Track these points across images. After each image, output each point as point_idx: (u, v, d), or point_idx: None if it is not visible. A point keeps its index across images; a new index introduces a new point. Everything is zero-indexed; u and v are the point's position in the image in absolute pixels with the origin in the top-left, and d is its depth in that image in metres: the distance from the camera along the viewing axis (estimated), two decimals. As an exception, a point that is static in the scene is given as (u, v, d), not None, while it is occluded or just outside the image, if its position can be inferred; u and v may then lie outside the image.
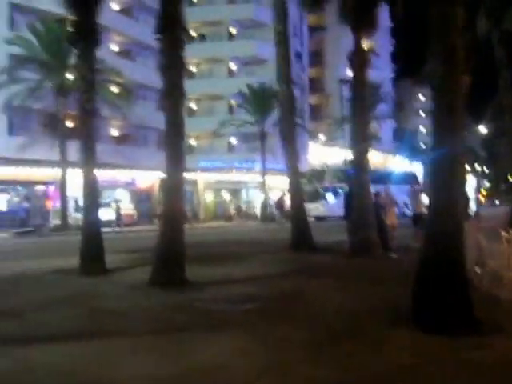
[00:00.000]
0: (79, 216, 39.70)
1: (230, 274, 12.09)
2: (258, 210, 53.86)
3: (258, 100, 51.19)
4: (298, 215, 17.94)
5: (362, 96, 15.75)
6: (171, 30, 11.06)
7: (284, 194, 47.09)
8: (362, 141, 15.71)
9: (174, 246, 10.80)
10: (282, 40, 17.82)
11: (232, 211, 52.81)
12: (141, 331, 7.29)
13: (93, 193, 13.21)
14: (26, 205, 40.21)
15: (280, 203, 45.73)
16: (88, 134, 13.30)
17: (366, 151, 15.83)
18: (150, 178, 47.72)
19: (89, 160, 13.13)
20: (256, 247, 18.96)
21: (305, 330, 7.18)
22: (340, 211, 41.99)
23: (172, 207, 10.96)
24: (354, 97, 16.16)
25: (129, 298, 9.72)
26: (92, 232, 12.84)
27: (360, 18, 15.08)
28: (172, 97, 11.17)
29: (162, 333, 7.18)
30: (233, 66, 63.81)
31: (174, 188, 11.08)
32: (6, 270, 13.29)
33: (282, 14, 17.86)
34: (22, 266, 14.40)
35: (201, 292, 9.98)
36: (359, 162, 15.68)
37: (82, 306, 9.14)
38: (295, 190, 18.27)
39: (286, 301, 9.30)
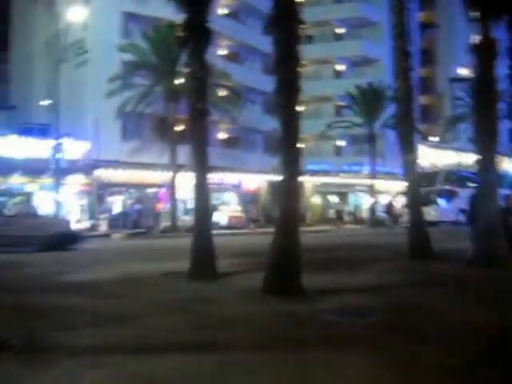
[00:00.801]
0: (188, 218, 40.62)
1: (343, 283, 11.32)
2: (365, 214, 52.54)
3: (367, 101, 49.95)
4: (415, 220, 16.80)
5: (488, 91, 14.43)
6: (286, 22, 10.44)
7: (394, 198, 45.51)
8: (488, 140, 14.38)
9: (289, 251, 10.16)
10: (400, 32, 16.75)
11: (336, 215, 51.78)
12: (256, 345, 6.68)
13: (204, 196, 12.85)
14: (138, 207, 41.32)
15: (389, 207, 44.22)
16: (199, 135, 12.97)
17: (494, 151, 14.49)
18: (256, 181, 47.66)
19: (200, 162, 12.78)
20: (368, 253, 18.05)
21: (449, 353, 6.13)
22: (453, 216, 40.26)
23: (288, 211, 10.34)
24: (478, 92, 14.86)
25: (241, 306, 9.20)
26: (203, 235, 12.47)
27: (492, 2, 13.79)
28: (286, 93, 10.55)
29: (279, 349, 6.52)
30: (340, 67, 62.79)
31: (289, 192, 10.45)
32: (117, 273, 13.24)
33: (399, 5, 16.82)
34: (133, 268, 14.36)
35: (317, 302, 9.28)
36: (486, 163, 14.37)
37: (193, 312, 8.72)
38: (413, 194, 17.14)
39: (412, 315, 8.41)
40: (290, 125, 10.53)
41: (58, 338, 6.86)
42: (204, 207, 12.84)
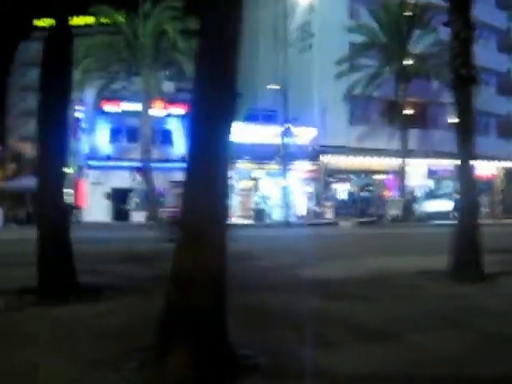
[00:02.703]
0: (417, 207, 38.00)
1: None
2: None
3: None
4: None
5: None
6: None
7: None
8: None
9: None
10: None
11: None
12: None
13: (469, 184, 10.58)
14: (365, 194, 39.69)
15: None
16: (464, 108, 10.63)
17: None
18: (490, 168, 43.31)
19: (465, 143, 10.52)
20: None
21: None
22: None
23: None
24: None
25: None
26: (468, 229, 10.20)
27: None
28: None
29: None
30: None
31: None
32: (359, 269, 11.47)
33: None
34: (376, 263, 12.51)
35: None
36: None
37: (467, 327, 6.63)
38: None
39: None
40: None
41: (311, 357, 5.26)
42: (469, 197, 10.55)
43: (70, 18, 8.70)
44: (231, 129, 4.95)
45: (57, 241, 8.25)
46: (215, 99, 4.86)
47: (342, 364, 5.12)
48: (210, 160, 4.83)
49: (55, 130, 8.40)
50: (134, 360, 4.92)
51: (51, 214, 8.28)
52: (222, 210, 4.96)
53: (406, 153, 36.79)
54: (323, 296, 8.30)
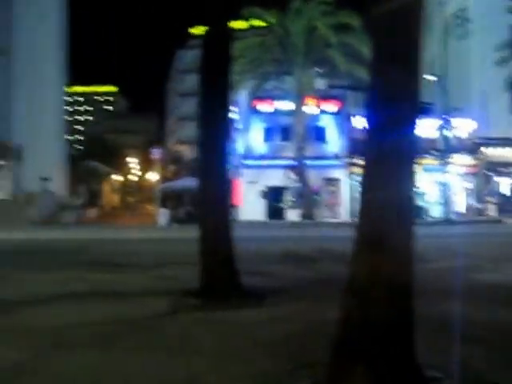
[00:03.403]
0: None
1: None
2: None
3: None
4: None
5: None
6: None
7: None
8: None
9: None
10: None
11: None
12: None
13: None
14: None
15: None
16: None
17: None
18: None
19: None
20: None
21: None
22: None
23: None
24: None
25: None
26: None
27: None
28: None
29: None
30: None
31: None
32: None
33: None
34: None
35: None
36: None
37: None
38: None
39: None
40: None
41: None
42: None
43: (227, 21, 8.58)
44: (416, 128, 4.47)
45: (220, 242, 8.17)
46: (399, 102, 4.41)
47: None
48: (397, 159, 4.36)
49: (216, 131, 8.34)
50: (304, 379, 4.54)
51: (214, 214, 8.21)
52: (408, 209, 4.44)
53: None
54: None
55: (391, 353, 4.16)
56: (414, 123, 4.52)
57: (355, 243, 4.47)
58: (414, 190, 4.59)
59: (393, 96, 4.44)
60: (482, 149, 36.72)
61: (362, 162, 4.61)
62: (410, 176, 4.48)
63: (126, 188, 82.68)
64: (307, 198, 34.52)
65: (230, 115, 8.83)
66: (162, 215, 37.02)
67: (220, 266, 8.05)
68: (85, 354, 5.34)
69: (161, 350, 5.47)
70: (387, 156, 4.37)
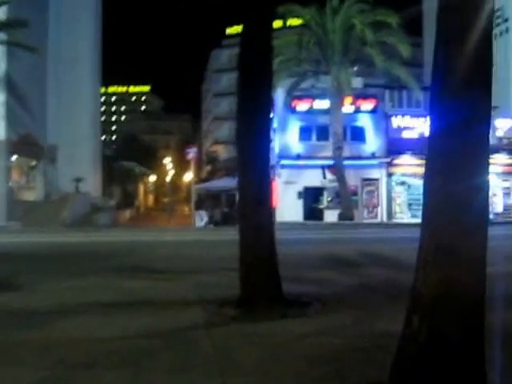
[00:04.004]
0: None
1: None
2: None
3: None
4: None
5: None
6: None
7: None
8: None
9: None
10: None
11: None
12: None
13: None
14: None
15: None
16: None
17: None
18: None
19: None
20: None
21: None
22: None
23: None
24: None
25: None
26: None
27: None
28: None
29: None
30: None
31: None
32: None
33: None
34: None
35: None
36: None
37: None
38: None
39: None
40: None
41: None
42: None
43: (267, 17, 8.01)
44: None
45: (261, 246, 7.60)
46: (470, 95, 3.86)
47: None
48: (473, 154, 3.78)
49: (257, 130, 7.78)
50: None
51: (255, 216, 7.63)
52: (486, 209, 3.86)
53: None
54: None
55: (461, 374, 3.65)
56: (489, 115, 3.97)
57: (423, 251, 3.89)
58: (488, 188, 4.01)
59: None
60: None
61: (424, 160, 4.07)
62: (486, 172, 3.90)
63: (162, 189, 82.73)
64: (345, 199, 33.79)
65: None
66: (198, 216, 36.69)
67: (262, 274, 7.49)
68: (115, 376, 4.84)
69: (198, 371, 4.94)
70: (462, 150, 3.79)
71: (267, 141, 7.98)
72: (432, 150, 3.99)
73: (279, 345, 5.68)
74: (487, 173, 3.90)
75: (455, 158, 3.81)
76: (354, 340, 5.75)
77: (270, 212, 7.87)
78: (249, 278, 7.55)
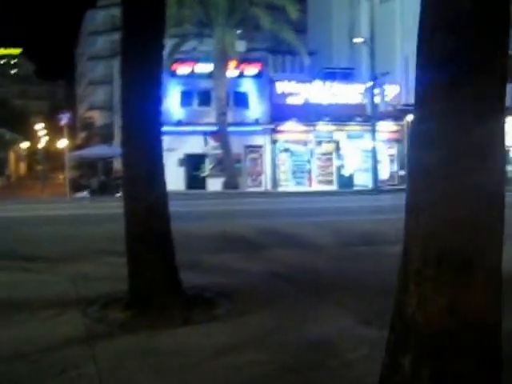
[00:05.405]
0: None
1: None
2: None
3: None
4: None
5: None
6: None
7: None
8: None
9: None
10: None
11: None
12: None
13: None
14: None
15: None
16: None
17: None
18: None
19: None
20: None
21: None
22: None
23: None
24: None
25: None
26: None
27: None
28: None
29: None
30: None
31: None
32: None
33: None
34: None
35: None
36: None
37: None
38: None
39: None
40: None
41: None
42: None
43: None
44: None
45: (154, 232, 6.17)
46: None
47: None
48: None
49: (145, 91, 6.25)
50: None
51: (146, 197, 6.16)
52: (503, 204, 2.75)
53: None
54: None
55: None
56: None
57: (413, 262, 2.70)
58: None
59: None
60: (406, 115, 36.05)
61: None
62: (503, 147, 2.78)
63: (35, 156, 77.76)
64: (229, 167, 32.73)
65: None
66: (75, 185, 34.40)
67: (156, 265, 6.08)
68: None
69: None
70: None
71: (159, 101, 6.48)
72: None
73: (187, 369, 4.30)
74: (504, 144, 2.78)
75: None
76: (283, 355, 4.51)
77: (164, 191, 6.41)
78: (139, 270, 6.13)
